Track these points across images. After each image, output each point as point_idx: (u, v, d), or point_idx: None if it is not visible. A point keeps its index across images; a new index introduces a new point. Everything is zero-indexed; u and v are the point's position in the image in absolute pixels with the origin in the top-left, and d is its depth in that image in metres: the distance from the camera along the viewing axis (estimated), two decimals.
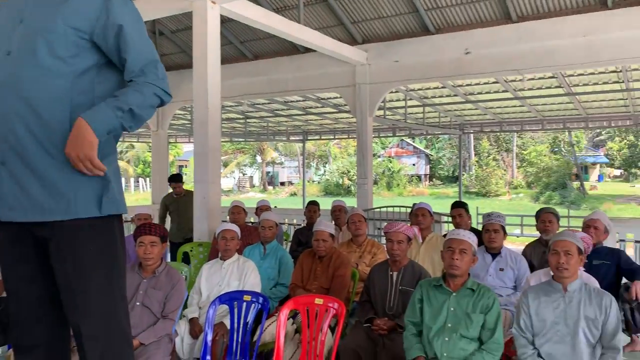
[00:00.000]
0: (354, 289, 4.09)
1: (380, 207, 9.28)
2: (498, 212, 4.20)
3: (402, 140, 39.19)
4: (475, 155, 37.47)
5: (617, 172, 41.69)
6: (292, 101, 11.90)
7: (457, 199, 14.98)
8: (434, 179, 40.48)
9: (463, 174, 35.54)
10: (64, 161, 1.53)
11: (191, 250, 5.67)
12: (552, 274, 2.90)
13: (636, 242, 7.52)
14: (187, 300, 3.87)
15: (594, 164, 40.93)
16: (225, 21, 9.01)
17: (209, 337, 3.44)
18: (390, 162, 38.97)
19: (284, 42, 9.21)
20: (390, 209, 9.30)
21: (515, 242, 14.22)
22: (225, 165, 41.75)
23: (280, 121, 15.36)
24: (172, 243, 6.89)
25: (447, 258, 2.91)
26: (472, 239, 2.93)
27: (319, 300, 3.33)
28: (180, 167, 44.86)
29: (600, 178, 40.68)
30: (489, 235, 3.98)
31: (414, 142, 40.20)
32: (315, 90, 10.04)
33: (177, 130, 17.04)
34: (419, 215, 4.71)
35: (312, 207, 6.17)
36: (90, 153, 1.47)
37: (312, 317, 3.31)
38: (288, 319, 3.59)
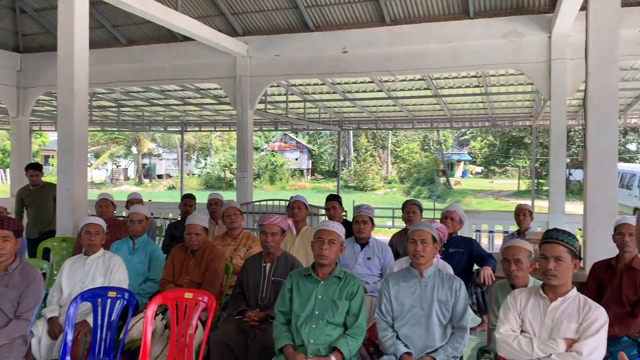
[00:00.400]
0: (227, 282, 4.07)
1: (260, 201, 9.31)
2: (367, 205, 4.42)
3: (286, 134, 39.58)
4: (354, 151, 38.95)
5: (479, 169, 45.69)
6: (169, 90, 11.48)
7: (338, 192, 15.47)
8: (315, 174, 41.43)
9: (342, 169, 36.90)
10: None
11: (54, 246, 5.26)
12: (410, 261, 3.12)
13: (490, 232, 8.32)
14: (46, 298, 3.61)
15: (458, 161, 44.56)
16: (96, 2, 8.46)
17: (70, 337, 3.23)
18: (274, 156, 39.18)
19: (161, 29, 8.85)
20: (269, 203, 9.36)
21: (387, 234, 15.00)
22: (97, 156, 39.16)
23: (157, 111, 14.76)
24: (29, 239, 6.34)
25: (316, 248, 3.01)
26: (340, 230, 3.06)
27: (188, 295, 3.28)
28: (47, 157, 41.30)
29: (464, 174, 44.37)
30: (359, 227, 4.18)
31: (297, 137, 40.78)
32: (194, 80, 9.79)
33: (42, 117, 15.67)
34: (295, 208, 4.81)
35: (187, 201, 6.02)
36: None
37: (181, 312, 3.25)
38: (157, 314, 3.49)
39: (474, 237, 8.10)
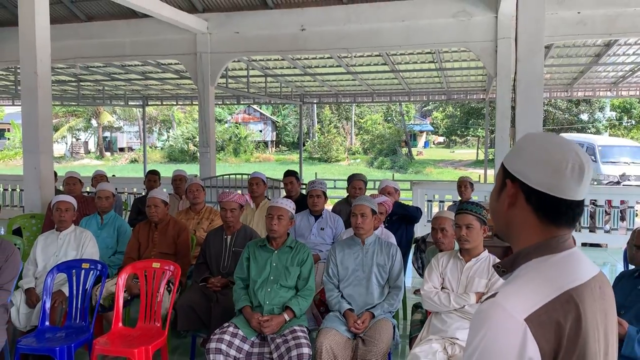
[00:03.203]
0: (192, 253, 4.42)
1: (222, 175, 9.60)
2: (320, 180, 4.82)
3: (249, 106, 39.44)
4: (318, 122, 39.20)
5: (441, 139, 46.70)
6: (130, 65, 11.50)
7: (300, 165, 15.76)
8: (280, 145, 41.58)
9: (307, 141, 37.18)
10: None
11: (24, 222, 5.48)
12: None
13: (440, 202, 8.87)
14: (22, 271, 3.89)
15: (421, 132, 45.37)
16: None
17: (47, 305, 3.55)
18: (237, 128, 39.08)
19: (121, 6, 8.87)
20: (232, 177, 9.66)
21: None
22: (56, 129, 38.24)
23: (118, 85, 14.70)
24: None
25: (267, 223, 3.39)
26: (289, 206, 3.44)
27: (156, 264, 3.63)
28: (1, 130, 40.12)
29: (426, 144, 45.30)
30: (312, 200, 4.58)
31: (260, 109, 40.70)
32: (154, 57, 9.88)
33: None
34: (253, 184, 5.16)
35: (151, 177, 6.29)
36: None
37: (150, 280, 3.60)
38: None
39: (425, 206, 8.65)
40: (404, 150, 36.10)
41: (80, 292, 3.63)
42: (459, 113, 37.20)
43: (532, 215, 1.08)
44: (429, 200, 8.80)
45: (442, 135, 45.48)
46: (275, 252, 3.41)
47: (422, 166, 31.75)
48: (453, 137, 42.85)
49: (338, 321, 3.22)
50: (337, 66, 11.08)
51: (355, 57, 9.98)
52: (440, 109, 40.56)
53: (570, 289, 0.99)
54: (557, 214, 1.07)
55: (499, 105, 7.95)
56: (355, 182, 5.08)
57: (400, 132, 37.05)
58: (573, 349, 0.96)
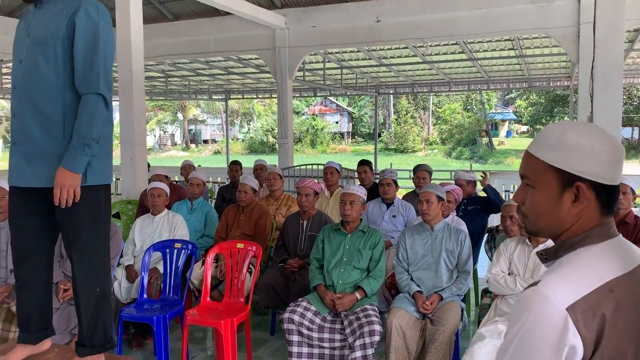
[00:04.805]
0: (271, 236, 4.74)
1: (299, 165, 9.94)
2: (391, 169, 4.99)
3: (326, 98, 39.89)
4: (394, 113, 38.93)
5: (525, 128, 44.83)
6: (214, 61, 12.10)
7: (375, 155, 15.87)
8: (356, 136, 41.72)
9: (383, 131, 37.08)
10: (62, 142, 2.02)
11: (122, 207, 6.06)
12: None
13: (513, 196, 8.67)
14: (122, 250, 4.36)
15: (503, 120, 43.74)
16: None
17: (145, 280, 3.99)
18: (314, 120, 39.65)
19: (204, 4, 9.39)
20: (308, 167, 9.98)
21: None
22: (146, 123, 40.62)
23: (202, 80, 15.47)
24: None
25: (341, 209, 3.62)
26: (360, 192, 3.64)
27: (240, 245, 3.97)
28: None
29: (508, 134, 43.63)
30: (383, 189, 4.75)
31: (336, 100, 41.03)
32: (235, 52, 10.36)
33: None
34: (328, 173, 5.41)
35: (234, 167, 6.71)
36: (72, 184, 1.97)
37: (234, 259, 3.94)
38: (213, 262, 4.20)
39: (504, 197, 8.50)
40: (484, 140, 35.07)
41: (173, 269, 4.04)
42: (543, 101, 35.56)
43: (598, 210, 1.07)
44: (506, 191, 8.65)
45: (525, 124, 43.61)
46: (349, 235, 3.62)
47: (503, 156, 30.74)
48: (537, 126, 40.95)
49: (407, 302, 3.39)
50: (412, 56, 11.07)
51: (431, 46, 9.94)
52: (524, 96, 38.94)
53: (612, 279, 0.99)
54: (613, 203, 1.08)
55: (581, 93, 7.62)
56: (419, 172, 5.20)
57: (481, 121, 35.99)
58: (614, 338, 0.95)
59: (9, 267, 3.78)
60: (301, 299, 3.46)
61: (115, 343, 2.38)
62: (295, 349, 3.29)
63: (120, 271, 4.22)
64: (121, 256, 4.36)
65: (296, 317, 3.29)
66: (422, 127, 38.04)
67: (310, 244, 4.13)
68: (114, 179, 11.60)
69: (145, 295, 3.96)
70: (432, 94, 31.59)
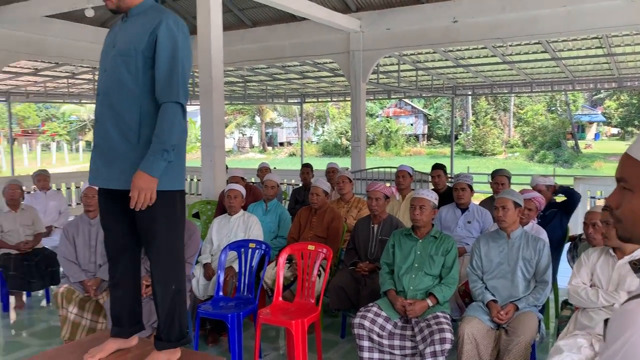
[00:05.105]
0: (342, 238, 4.77)
1: (371, 168, 9.92)
2: (466, 174, 4.86)
3: (400, 100, 39.46)
4: (472, 114, 37.82)
5: (615, 130, 42.07)
6: (289, 65, 12.34)
7: (451, 159, 15.54)
8: (431, 139, 40.93)
9: (460, 134, 36.13)
10: (137, 147, 2.17)
11: (201, 207, 6.32)
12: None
13: (606, 199, 8.16)
14: (200, 249, 4.56)
15: (590, 122, 41.28)
16: None
17: (222, 278, 4.14)
18: (388, 122, 39.35)
19: (281, 11, 9.61)
20: (381, 170, 9.94)
21: None
22: (225, 126, 42.04)
23: (279, 84, 15.82)
24: None
25: (411, 213, 3.58)
26: (431, 196, 3.58)
27: (311, 247, 4.03)
28: None
29: (596, 137, 41.09)
30: (458, 193, 4.64)
31: (412, 102, 40.48)
32: (311, 57, 10.50)
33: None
34: (400, 176, 5.36)
35: (305, 169, 6.82)
36: (149, 187, 2.09)
37: (305, 260, 4.01)
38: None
39: (587, 204, 8.05)
40: (570, 142, 33.25)
41: (247, 268, 4.17)
42: (635, 101, 33.22)
43: None
44: (592, 197, 8.18)
45: (616, 126, 40.92)
46: (420, 241, 3.57)
47: (590, 160, 29.03)
48: (629, 128, 38.31)
49: (481, 310, 3.30)
50: (491, 56, 10.73)
51: (511, 46, 9.61)
52: (614, 97, 36.56)
53: None
54: None
55: None
56: (498, 177, 5.01)
57: (566, 123, 34.14)
58: None
59: (97, 262, 4.06)
60: (371, 304, 3.46)
61: (190, 339, 2.50)
62: (366, 355, 3.30)
63: (198, 269, 4.41)
64: (199, 254, 4.56)
65: (367, 323, 3.30)
66: (502, 129, 36.67)
67: (380, 248, 4.12)
68: (195, 180, 12.13)
69: (221, 293, 4.11)
70: (512, 95, 30.35)
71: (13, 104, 17.03)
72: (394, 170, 9.00)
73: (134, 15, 2.26)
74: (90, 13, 7.12)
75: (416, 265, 3.52)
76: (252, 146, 44.51)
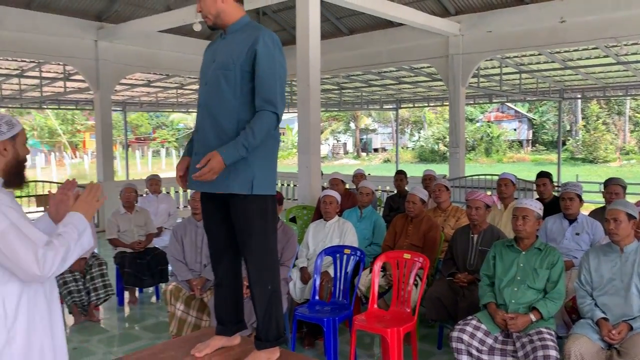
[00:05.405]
0: (440, 248, 4.67)
1: (471, 176, 9.62)
2: (574, 182, 4.55)
3: (503, 104, 37.82)
4: (582, 119, 35.38)
5: None
6: (385, 71, 12.32)
7: (559, 166, 14.67)
8: (536, 145, 38.78)
9: (568, 139, 33.94)
10: None
11: (298, 212, 6.48)
12: None
13: None
14: (297, 252, 4.67)
15: None
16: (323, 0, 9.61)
17: (317, 282, 4.22)
18: (489, 127, 37.86)
19: (378, 17, 9.62)
20: (481, 177, 9.61)
21: None
22: (321, 132, 42.70)
23: (374, 90, 15.82)
24: None
25: (513, 223, 3.43)
26: (535, 206, 3.40)
27: (406, 255, 3.98)
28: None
29: None
30: (565, 203, 4.36)
31: (515, 106, 38.64)
32: (408, 62, 10.40)
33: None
34: (502, 185, 5.14)
35: (399, 176, 6.76)
36: (218, 170, 2.19)
37: (401, 269, 3.97)
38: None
39: None
40: None
41: (342, 274, 4.21)
42: None
43: None
44: None
45: None
46: (523, 253, 3.41)
47: None
48: None
49: (590, 328, 3.07)
50: (604, 57, 10.00)
51: (626, 45, 8.91)
52: None
53: None
54: None
55: None
56: (611, 186, 4.64)
57: None
58: None
59: (202, 262, 4.30)
60: (470, 317, 3.35)
61: (287, 339, 2.57)
62: None
63: (295, 272, 4.52)
64: (296, 258, 4.67)
65: (465, 337, 3.20)
66: (616, 135, 33.96)
67: (480, 259, 3.98)
68: (291, 185, 12.47)
69: (317, 297, 4.19)
70: (628, 97, 28.01)
71: (128, 113, 18.49)
72: (495, 178, 8.70)
73: (232, 32, 2.41)
74: (197, 27, 7.59)
75: (519, 278, 3.36)
76: (346, 152, 44.81)
